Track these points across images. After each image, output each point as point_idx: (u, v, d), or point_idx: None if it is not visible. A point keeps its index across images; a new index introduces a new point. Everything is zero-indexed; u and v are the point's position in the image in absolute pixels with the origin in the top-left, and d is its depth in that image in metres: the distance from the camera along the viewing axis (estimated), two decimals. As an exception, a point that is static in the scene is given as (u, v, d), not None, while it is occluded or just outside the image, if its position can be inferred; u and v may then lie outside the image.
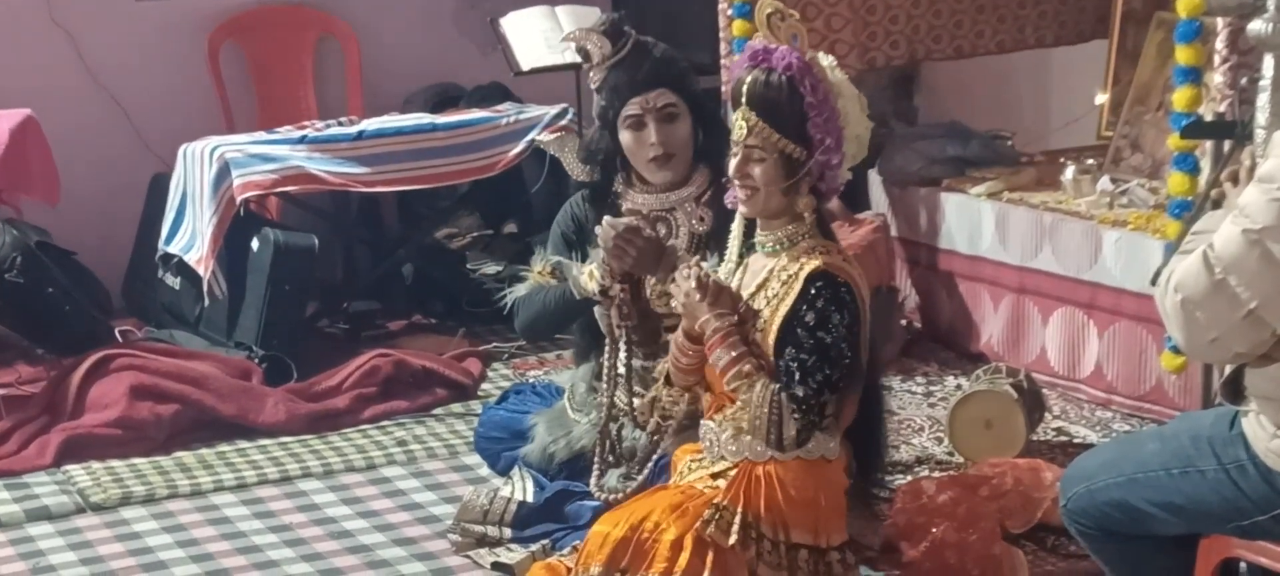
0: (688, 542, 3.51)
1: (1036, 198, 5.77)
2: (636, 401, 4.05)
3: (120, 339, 6.03)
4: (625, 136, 4.29)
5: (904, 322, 6.13)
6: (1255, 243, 2.94)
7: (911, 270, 6.22)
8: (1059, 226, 5.57)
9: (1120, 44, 6.20)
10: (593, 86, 4.43)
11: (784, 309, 3.57)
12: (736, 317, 3.57)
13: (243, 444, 5.27)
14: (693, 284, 3.60)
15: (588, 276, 4.13)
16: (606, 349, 4.14)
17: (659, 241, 4.01)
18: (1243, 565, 3.41)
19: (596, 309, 4.18)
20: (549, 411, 4.56)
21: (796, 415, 3.52)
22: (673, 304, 3.69)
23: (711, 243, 4.14)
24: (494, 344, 6.14)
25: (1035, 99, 7.08)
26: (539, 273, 4.40)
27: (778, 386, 3.53)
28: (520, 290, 4.44)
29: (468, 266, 6.69)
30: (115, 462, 5.10)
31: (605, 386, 4.16)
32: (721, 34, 5.88)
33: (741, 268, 3.76)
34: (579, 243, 4.37)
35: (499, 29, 6.46)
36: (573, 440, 4.42)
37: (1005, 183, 5.91)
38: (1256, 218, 2.94)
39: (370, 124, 6.22)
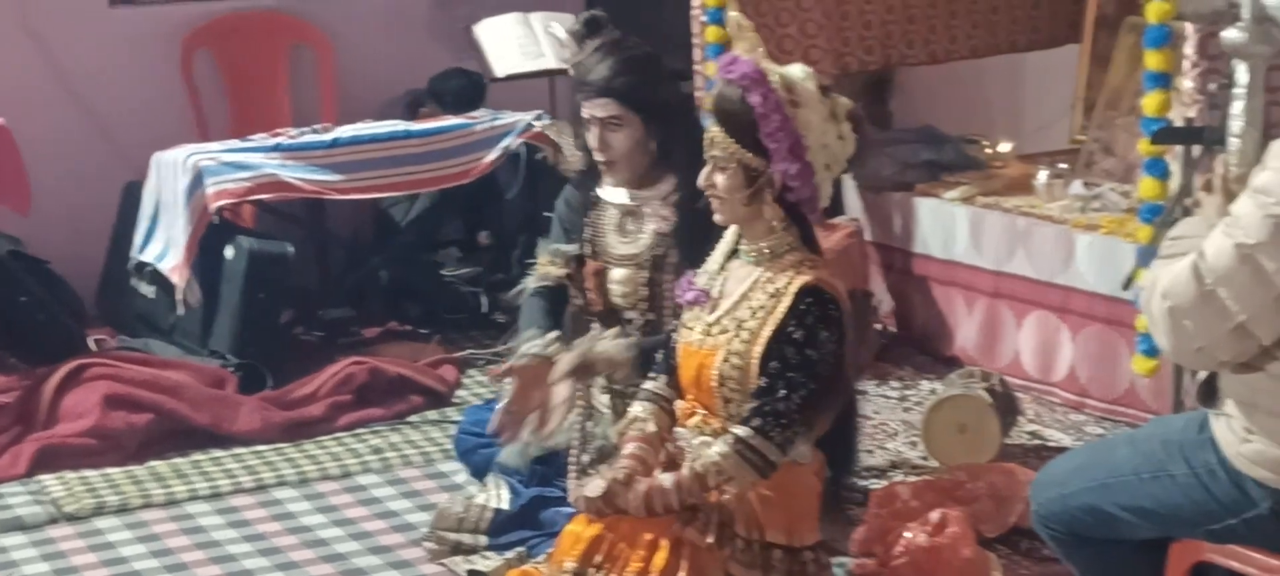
0: (663, 542, 3.53)
1: (1010, 202, 5.79)
2: (608, 398, 4.15)
3: (94, 348, 6.01)
4: (587, 135, 4.35)
5: (878, 327, 6.14)
6: (1248, 257, 2.95)
7: (886, 275, 6.23)
8: (1032, 231, 5.60)
9: (1092, 49, 6.23)
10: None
11: (772, 322, 3.59)
12: (642, 485, 3.56)
13: (217, 453, 5.26)
14: (597, 508, 3.59)
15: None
16: None
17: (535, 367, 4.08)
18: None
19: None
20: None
21: (777, 432, 3.54)
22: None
23: (673, 241, 4.18)
24: (469, 350, 6.13)
25: (1009, 104, 7.10)
26: (543, 264, 4.44)
27: (732, 440, 3.53)
28: (529, 283, 4.49)
29: (443, 273, 6.68)
30: (89, 472, 5.08)
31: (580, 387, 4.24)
32: (695, 40, 5.89)
33: (723, 274, 3.77)
34: (573, 226, 4.42)
35: (474, 36, 6.46)
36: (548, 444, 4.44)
37: (979, 187, 5.94)
38: (1250, 232, 2.95)
39: (344, 131, 6.21)
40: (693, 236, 4.10)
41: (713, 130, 3.61)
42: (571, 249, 4.40)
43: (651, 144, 4.23)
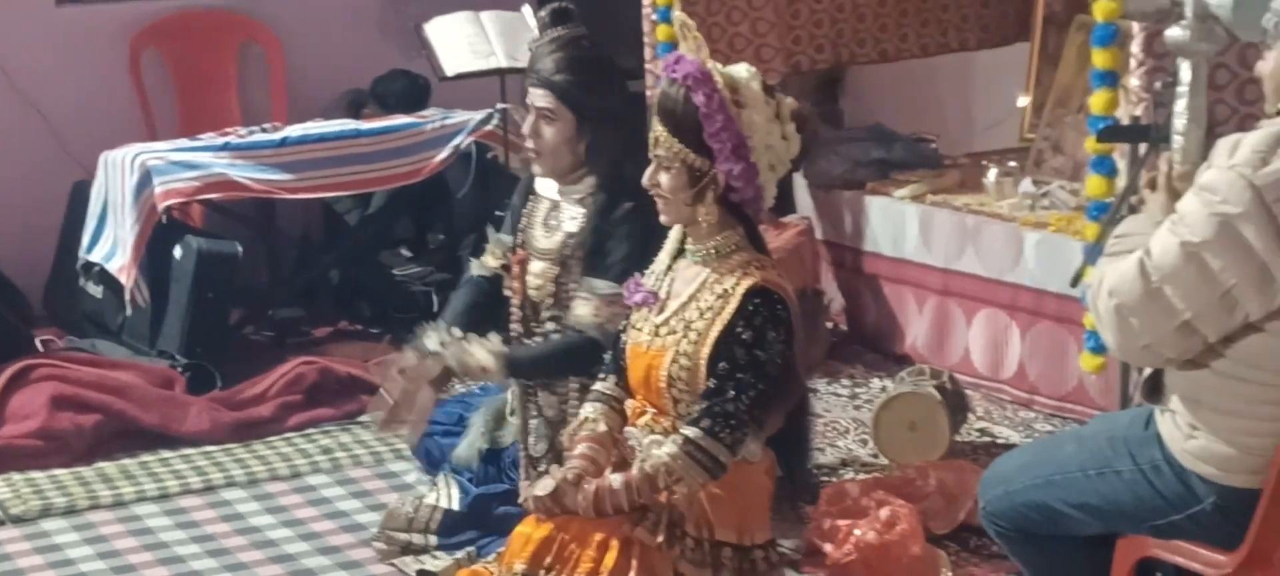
0: (614, 542, 3.52)
1: (960, 200, 5.81)
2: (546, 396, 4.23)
3: (41, 348, 5.97)
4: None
5: (830, 325, 6.16)
6: (1193, 255, 2.96)
7: (836, 273, 6.25)
8: (982, 229, 5.62)
9: (1041, 47, 6.26)
10: None
11: (720, 322, 3.59)
12: (592, 486, 3.56)
13: (166, 453, 5.23)
14: (546, 508, 3.59)
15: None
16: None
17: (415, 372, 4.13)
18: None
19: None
20: (492, 402, 4.59)
21: (726, 432, 3.53)
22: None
23: (578, 247, 4.19)
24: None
25: (959, 102, 7.12)
26: (489, 250, 4.45)
27: (681, 440, 3.53)
28: (471, 270, 4.51)
29: (394, 272, 6.66)
30: (36, 474, 5.05)
31: (517, 392, 4.34)
32: (645, 39, 5.89)
33: (670, 274, 3.77)
34: (517, 217, 4.44)
35: (423, 35, 6.44)
36: (499, 438, 4.46)
37: (929, 186, 5.96)
38: (1196, 230, 2.96)
39: (294, 130, 6.19)
40: (597, 242, 4.16)
41: (657, 129, 3.61)
42: (509, 240, 4.41)
43: (581, 145, 4.23)
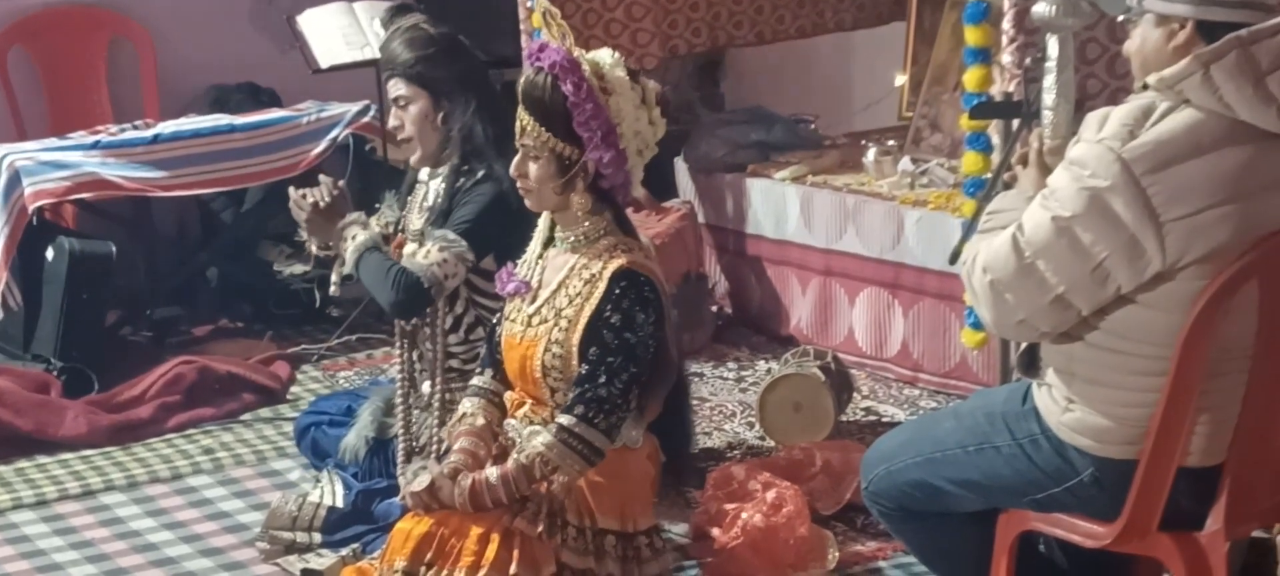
0: (494, 535, 3.51)
1: (840, 180, 5.83)
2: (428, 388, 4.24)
3: (-89, 355, 5.86)
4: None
5: (714, 309, 6.17)
6: (1064, 229, 2.98)
7: (720, 256, 6.25)
8: (862, 208, 5.64)
9: (917, 26, 6.30)
10: None
11: (589, 308, 3.59)
12: (468, 480, 3.56)
13: (42, 459, 5.14)
14: (422, 502, 3.59)
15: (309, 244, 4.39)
16: (397, 344, 4.37)
17: (332, 205, 4.27)
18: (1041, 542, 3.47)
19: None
20: (383, 392, 4.58)
21: (601, 418, 3.53)
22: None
23: (440, 220, 4.22)
24: (303, 346, 6.07)
25: (838, 82, 7.15)
26: (376, 218, 4.46)
27: (556, 429, 3.54)
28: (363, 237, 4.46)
29: (275, 269, 6.58)
30: (-92, 483, 4.95)
31: (400, 377, 4.35)
32: (521, 26, 5.86)
33: (541, 263, 3.76)
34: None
35: (296, 27, 6.37)
36: (387, 426, 4.44)
37: (809, 166, 5.97)
38: (1066, 204, 2.98)
39: (167, 126, 6.10)
40: (448, 206, 4.21)
41: (523, 119, 3.60)
42: (395, 214, 4.45)
43: (439, 119, 4.27)
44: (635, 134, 3.62)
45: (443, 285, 4.12)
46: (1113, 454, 3.09)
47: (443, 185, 4.28)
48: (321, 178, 4.37)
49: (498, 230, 4.09)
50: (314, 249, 4.41)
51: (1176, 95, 2.96)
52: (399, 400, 4.37)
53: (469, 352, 4.24)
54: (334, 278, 4.43)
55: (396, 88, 4.31)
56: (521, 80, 3.61)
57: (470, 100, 4.25)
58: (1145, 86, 3.02)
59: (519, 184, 3.67)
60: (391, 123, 4.36)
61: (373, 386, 4.83)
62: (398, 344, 4.42)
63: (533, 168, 3.62)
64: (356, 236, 4.21)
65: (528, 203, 3.70)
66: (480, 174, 4.20)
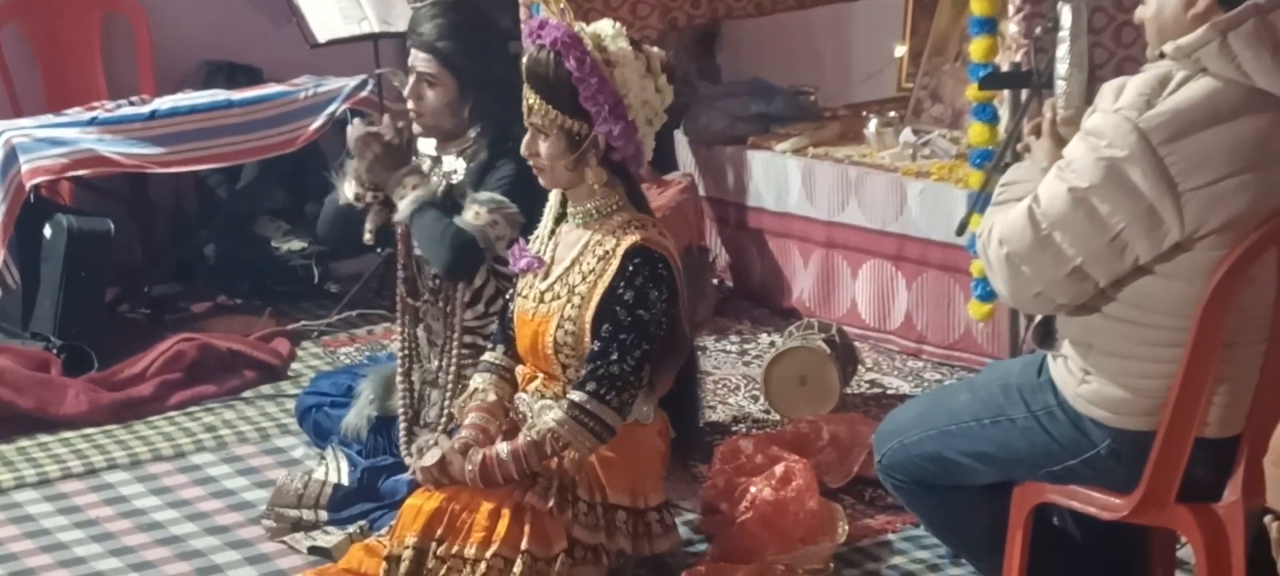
0: (505, 511, 3.51)
1: (841, 152, 5.82)
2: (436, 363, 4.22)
3: (-91, 334, 5.83)
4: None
5: (715, 282, 6.15)
6: (1081, 201, 2.96)
7: (720, 229, 6.24)
8: (864, 180, 5.63)
9: (916, -4, 6.28)
10: None
11: (603, 285, 3.59)
12: (479, 455, 3.56)
13: (44, 437, 5.11)
14: (433, 478, 3.58)
15: (347, 185, 4.28)
16: (399, 319, 4.33)
17: (399, 148, 4.19)
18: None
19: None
20: (381, 370, 4.55)
21: (613, 394, 3.53)
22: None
23: (461, 193, 4.18)
24: (302, 322, 6.04)
25: (836, 53, 7.13)
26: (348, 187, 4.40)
27: (568, 405, 3.53)
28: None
29: (273, 245, 6.55)
30: (-91, 463, 4.92)
31: (401, 354, 4.32)
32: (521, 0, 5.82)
33: (553, 239, 3.75)
34: None
35: (293, 1, 6.33)
36: (390, 406, 4.41)
37: (810, 138, 5.95)
38: (1083, 176, 2.96)
39: (163, 102, 6.07)
40: (477, 185, 4.17)
41: (530, 98, 3.60)
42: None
43: (463, 109, 4.26)
44: (643, 104, 3.62)
45: (494, 246, 4.08)
46: (1130, 425, 3.09)
47: (464, 166, 4.24)
48: (387, 116, 4.30)
49: (526, 205, 4.05)
50: (351, 192, 4.29)
51: (1194, 64, 2.95)
52: (400, 377, 4.34)
53: (486, 326, 4.21)
54: (369, 226, 4.31)
55: (425, 63, 4.24)
56: (525, 58, 3.60)
57: (499, 97, 4.19)
58: (1162, 55, 3.00)
59: (531, 163, 3.66)
60: (408, 91, 4.28)
61: (371, 363, 4.81)
62: (400, 320, 4.40)
63: (543, 145, 3.62)
64: (417, 187, 4.13)
65: (542, 181, 3.69)
66: (510, 167, 4.14)
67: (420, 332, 4.38)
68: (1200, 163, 2.91)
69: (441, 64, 4.22)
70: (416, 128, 4.33)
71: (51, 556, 4.29)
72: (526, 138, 3.64)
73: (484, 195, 4.12)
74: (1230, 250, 2.93)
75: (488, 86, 4.23)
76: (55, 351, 5.56)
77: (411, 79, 4.27)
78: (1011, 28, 4.53)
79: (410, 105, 4.28)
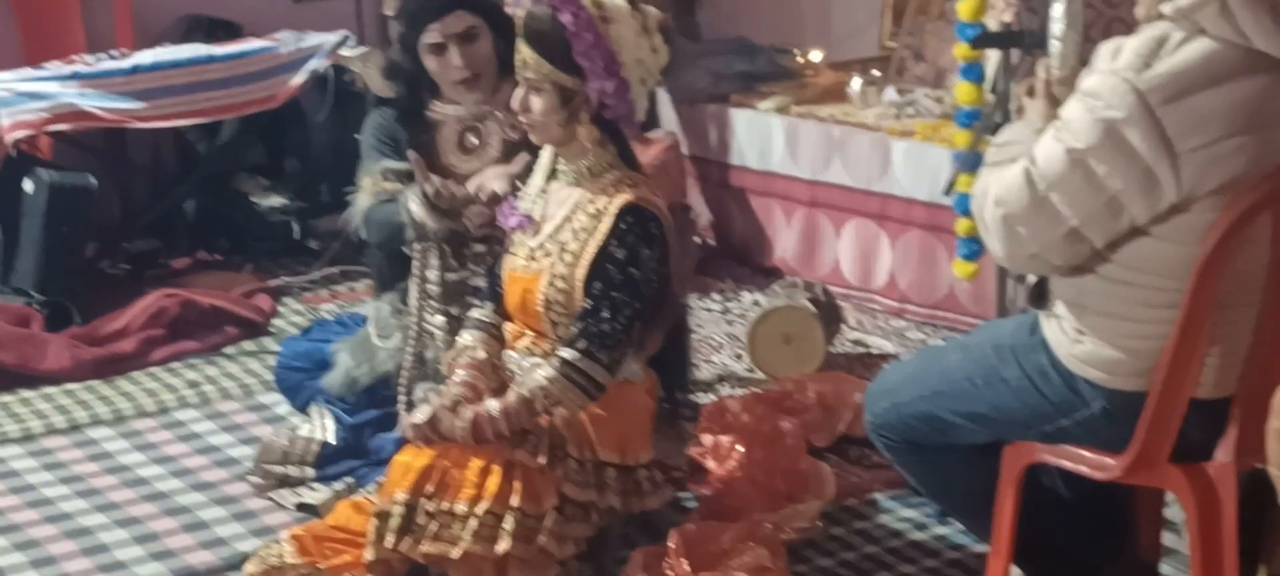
0: (495, 467, 3.51)
1: (825, 110, 5.82)
2: (443, 320, 4.10)
3: (-112, 290, 5.79)
4: (430, 62, 4.24)
5: (697, 240, 6.15)
6: (1078, 162, 2.95)
7: (703, 187, 6.25)
8: (848, 139, 5.63)
9: (899, -46, 6.27)
10: (386, 11, 4.35)
11: (594, 243, 3.59)
12: (470, 412, 3.53)
13: (26, 393, 5.11)
14: (423, 435, 3.55)
15: (416, 203, 4.08)
16: (414, 270, 4.16)
17: (466, 198, 4.03)
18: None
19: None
20: (352, 339, 4.49)
21: (603, 352, 3.54)
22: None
23: (525, 147, 4.05)
24: (283, 279, 6.03)
25: (817, 11, 7.11)
26: (373, 183, 4.29)
27: (558, 363, 3.53)
28: (362, 203, 4.30)
29: (253, 200, 6.53)
30: (-110, 419, 4.90)
31: (414, 306, 4.18)
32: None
33: (544, 196, 3.75)
34: (394, 148, 4.31)
35: (274, -45, 6.30)
36: (377, 365, 4.36)
37: (792, 97, 5.96)
38: (1080, 136, 2.95)
39: (144, 56, 6.04)
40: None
41: (524, 52, 3.58)
42: (401, 165, 4.24)
43: (501, 48, 4.17)
44: (637, 62, 3.61)
45: (408, 208, 4.05)
46: (1123, 386, 3.09)
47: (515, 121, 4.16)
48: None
49: None
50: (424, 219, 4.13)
51: (1193, 25, 2.94)
52: (412, 336, 4.27)
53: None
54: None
55: (460, 21, 4.15)
56: (522, 13, 3.59)
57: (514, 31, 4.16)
58: (1161, 15, 3.00)
59: (522, 119, 3.65)
60: (454, 58, 4.17)
61: (341, 332, 4.64)
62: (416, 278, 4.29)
63: (536, 101, 3.61)
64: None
65: (532, 137, 3.68)
66: None
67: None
68: (1198, 124, 2.91)
69: (474, 12, 4.15)
70: (459, 95, 4.23)
71: (37, 511, 4.29)
72: (519, 92, 3.63)
73: (376, 166, 4.11)
74: (1226, 212, 2.93)
75: (507, 22, 4.14)
76: (37, 307, 5.55)
77: (450, 49, 4.16)
78: (1000, -13, 4.53)
79: (464, 74, 4.18)
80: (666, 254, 3.65)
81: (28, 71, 5.97)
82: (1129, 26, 3.15)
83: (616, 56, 3.58)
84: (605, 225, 3.59)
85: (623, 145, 3.72)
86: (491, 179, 3.90)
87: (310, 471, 4.30)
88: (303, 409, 4.57)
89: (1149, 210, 2.97)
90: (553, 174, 3.77)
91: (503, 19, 4.16)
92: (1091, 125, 2.96)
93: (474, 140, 4.25)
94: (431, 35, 4.19)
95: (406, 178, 4.22)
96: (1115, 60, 2.98)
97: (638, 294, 3.57)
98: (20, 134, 5.66)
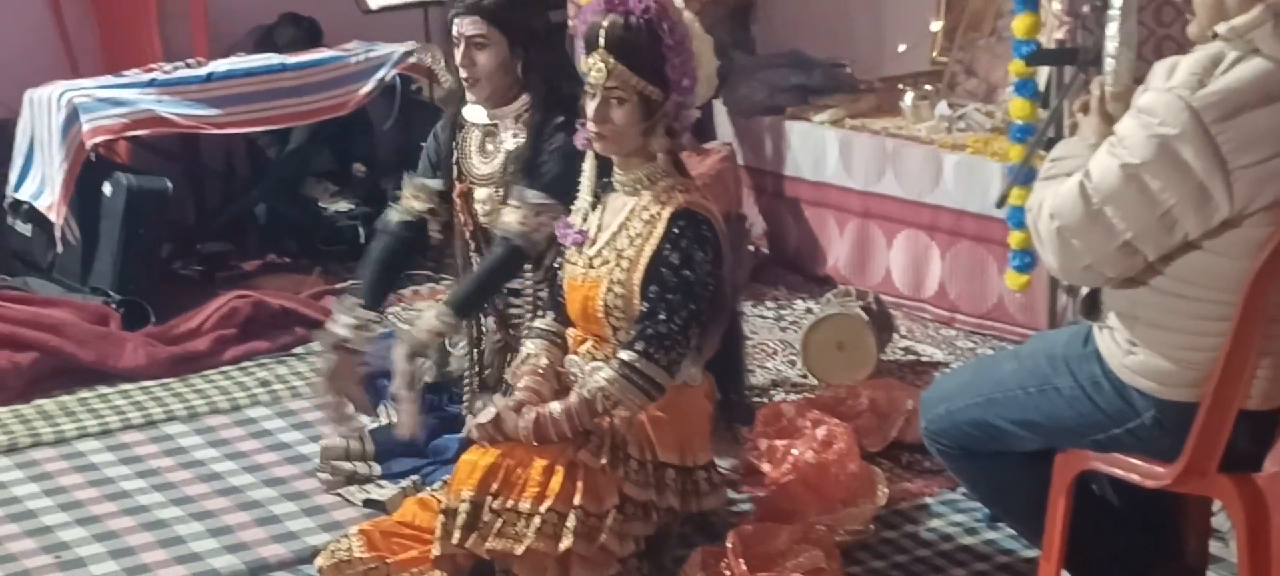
0: (559, 467, 3.58)
1: (878, 124, 5.91)
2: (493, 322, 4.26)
3: (-29, 288, 5.93)
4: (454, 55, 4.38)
5: (752, 249, 6.25)
6: (1133, 177, 3.02)
7: (758, 197, 6.33)
8: (901, 151, 5.72)
9: (951, -30, 6.35)
10: None
11: (649, 249, 3.66)
12: (532, 413, 3.62)
13: (104, 389, 5.23)
14: (488, 434, 3.64)
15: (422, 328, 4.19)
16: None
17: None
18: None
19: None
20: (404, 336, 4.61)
21: (661, 354, 3.60)
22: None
23: (520, 161, 4.24)
24: (351, 282, 6.12)
25: (870, 26, 7.20)
26: (411, 193, 4.45)
27: (618, 364, 3.60)
28: (390, 217, 4.49)
29: (320, 206, 6.67)
30: (-26, 413, 5.03)
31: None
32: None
33: (599, 207, 3.83)
34: (441, 162, 4.45)
35: (347, -34, 6.42)
36: (448, 371, 4.49)
37: (846, 110, 6.05)
38: (1135, 152, 3.03)
39: (219, 65, 6.18)
40: (532, 156, 4.21)
41: (609, 62, 3.63)
42: (435, 183, 4.42)
43: (516, 66, 4.26)
44: (707, 78, 3.71)
45: (537, 244, 4.13)
46: (1175, 396, 3.15)
47: (521, 134, 4.27)
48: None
49: (573, 172, 4.12)
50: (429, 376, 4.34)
51: (1246, 44, 3.00)
52: (466, 338, 4.41)
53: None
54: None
55: (473, 26, 4.23)
56: (605, 23, 3.64)
57: (548, 51, 4.27)
58: (1215, 35, 3.07)
59: (598, 129, 3.69)
60: (459, 59, 4.29)
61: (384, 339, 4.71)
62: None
63: (618, 113, 3.66)
64: (426, 323, 4.14)
65: (600, 147, 3.73)
66: (559, 122, 4.19)
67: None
68: (1251, 141, 2.97)
69: (489, 22, 4.22)
70: (472, 94, 4.36)
71: (116, 504, 4.39)
72: (596, 104, 3.66)
73: (531, 196, 4.15)
74: (1278, 227, 3.00)
75: (535, 40, 4.27)
76: (114, 306, 5.67)
77: (460, 47, 4.27)
78: (1055, 5, 4.61)
79: (463, 74, 4.30)
80: (720, 256, 3.70)
81: (108, 79, 6.11)
82: (1180, 44, 3.21)
83: (697, 69, 3.68)
84: (659, 230, 3.66)
85: (673, 155, 3.81)
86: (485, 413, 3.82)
87: (376, 467, 4.40)
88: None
89: (1202, 225, 3.03)
90: (607, 186, 3.84)
91: (528, 37, 4.26)
92: (1146, 141, 3.02)
93: (490, 146, 4.35)
94: (454, 27, 4.30)
95: (435, 196, 4.39)
96: (1170, 78, 3.04)
97: (693, 295, 3.63)
98: (100, 138, 5.80)
